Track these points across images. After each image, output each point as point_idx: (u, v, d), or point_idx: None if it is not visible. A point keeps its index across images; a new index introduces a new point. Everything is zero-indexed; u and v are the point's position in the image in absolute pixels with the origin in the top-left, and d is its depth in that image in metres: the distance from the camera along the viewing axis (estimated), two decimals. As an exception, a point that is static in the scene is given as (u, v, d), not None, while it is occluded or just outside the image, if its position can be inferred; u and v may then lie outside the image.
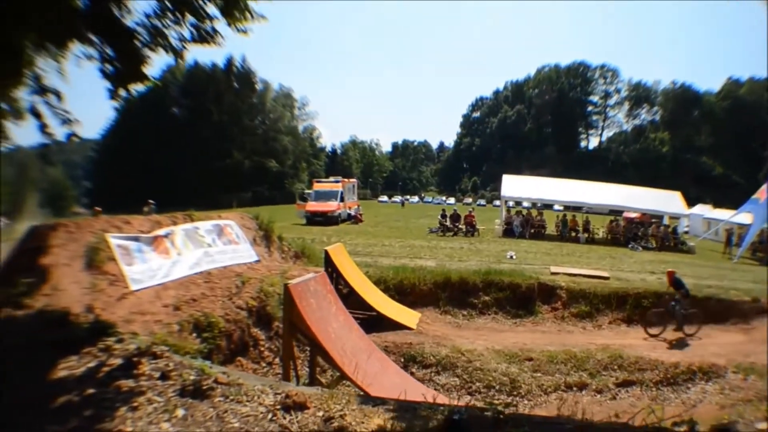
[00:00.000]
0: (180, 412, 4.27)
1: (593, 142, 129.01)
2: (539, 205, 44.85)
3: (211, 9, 6.22)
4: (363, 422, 4.21)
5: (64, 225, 9.58)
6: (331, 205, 38.20)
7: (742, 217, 33.46)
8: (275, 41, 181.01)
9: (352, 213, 42.02)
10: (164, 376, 4.91)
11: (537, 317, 15.29)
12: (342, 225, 37.51)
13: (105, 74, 6.20)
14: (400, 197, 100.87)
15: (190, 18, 6.21)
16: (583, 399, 10.52)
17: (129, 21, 6.08)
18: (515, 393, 10.79)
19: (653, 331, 14.03)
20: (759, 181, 41.15)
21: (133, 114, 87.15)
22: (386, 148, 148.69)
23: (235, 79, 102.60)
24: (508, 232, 33.03)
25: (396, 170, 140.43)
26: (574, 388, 11.14)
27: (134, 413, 4.21)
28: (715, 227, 38.42)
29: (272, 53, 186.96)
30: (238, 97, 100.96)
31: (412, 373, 10.90)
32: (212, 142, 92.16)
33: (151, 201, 24.96)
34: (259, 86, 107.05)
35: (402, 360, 11.47)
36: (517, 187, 38.30)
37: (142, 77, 6.48)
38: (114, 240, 9.91)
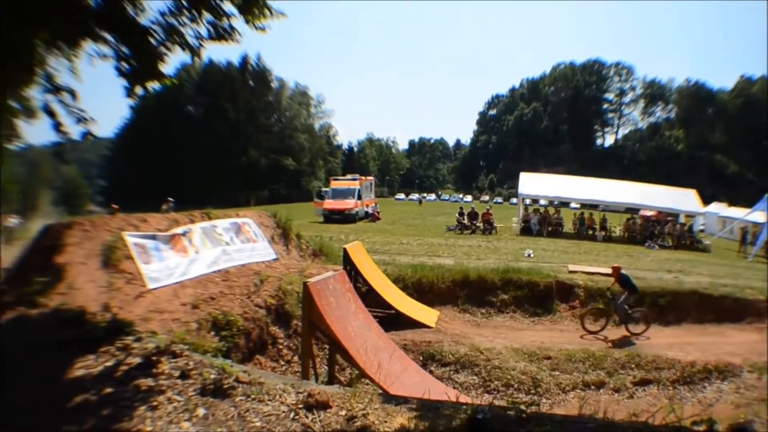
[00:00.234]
0: (201, 412, 4.21)
1: (609, 140, 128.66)
2: (556, 202, 44.58)
3: (228, 6, 6.16)
4: (386, 421, 4.14)
5: (79, 223, 9.60)
6: (349, 203, 38.10)
7: (757, 215, 33.15)
8: (290, 38, 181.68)
9: (370, 211, 41.82)
10: (184, 375, 4.85)
11: (555, 315, 15.21)
12: (359, 223, 37.36)
13: (121, 72, 6.15)
14: (417, 195, 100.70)
15: (207, 16, 6.16)
16: (601, 397, 10.46)
17: (143, 19, 6.04)
18: (534, 392, 10.71)
19: (592, 327, 13.90)
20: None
21: (148, 112, 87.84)
22: (403, 145, 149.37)
23: (251, 77, 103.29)
24: (526, 230, 32.79)
25: (413, 168, 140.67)
26: (592, 387, 11.07)
27: (154, 412, 4.16)
28: (730, 225, 38.23)
29: (287, 51, 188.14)
30: (254, 95, 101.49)
31: (430, 372, 10.86)
32: (228, 140, 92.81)
33: (170, 198, 24.97)
34: (274, 84, 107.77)
35: (421, 358, 11.43)
36: (534, 184, 38.00)
37: (159, 75, 6.43)
38: (131, 238, 9.92)
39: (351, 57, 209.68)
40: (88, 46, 6.05)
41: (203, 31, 6.27)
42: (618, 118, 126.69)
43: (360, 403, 4.49)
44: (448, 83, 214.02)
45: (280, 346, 10.75)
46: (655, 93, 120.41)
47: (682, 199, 35.52)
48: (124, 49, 6.07)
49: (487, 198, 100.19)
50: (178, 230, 11.41)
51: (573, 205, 48.70)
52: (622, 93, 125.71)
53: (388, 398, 4.84)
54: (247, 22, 6.18)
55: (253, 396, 4.53)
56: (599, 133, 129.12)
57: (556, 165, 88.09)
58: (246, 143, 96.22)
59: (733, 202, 48.32)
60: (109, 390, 4.52)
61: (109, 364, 5.09)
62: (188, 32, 6.23)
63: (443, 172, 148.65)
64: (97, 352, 5.32)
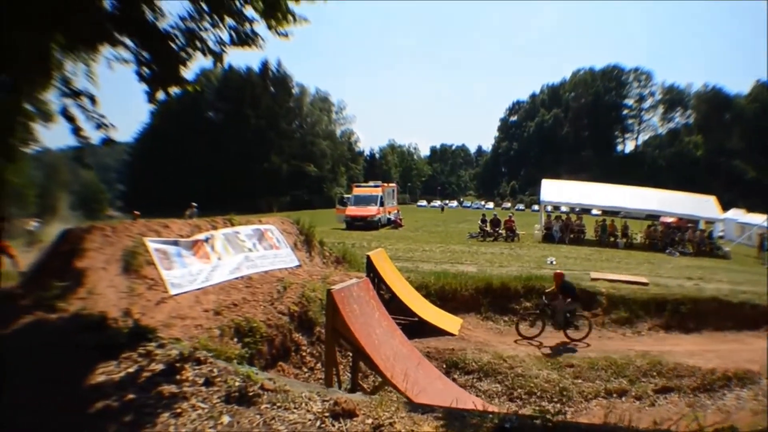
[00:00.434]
0: (225, 419, 4.17)
1: (629, 146, 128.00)
2: (577, 209, 44.25)
3: (250, 11, 6.14)
4: (413, 430, 4.08)
5: (99, 228, 9.64)
6: (371, 210, 38.01)
7: (774, 222, 32.70)
8: (309, 44, 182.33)
9: (392, 218, 41.75)
10: (208, 382, 4.81)
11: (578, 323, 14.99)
12: (382, 230, 37.29)
13: (142, 77, 6.17)
14: (439, 202, 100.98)
15: (229, 21, 6.14)
16: (623, 405, 10.34)
17: (163, 23, 6.04)
18: (557, 400, 10.61)
19: (526, 333, 13.71)
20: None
21: (168, 117, 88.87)
22: (424, 152, 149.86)
23: (271, 83, 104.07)
24: (548, 237, 32.48)
25: (435, 174, 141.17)
26: (614, 395, 10.97)
27: (177, 419, 4.13)
28: (749, 232, 37.93)
29: (307, 57, 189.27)
30: (275, 101, 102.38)
31: (454, 379, 10.80)
32: (250, 146, 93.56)
33: (194, 204, 25.14)
34: (295, 90, 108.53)
35: (444, 366, 11.36)
36: (556, 191, 37.77)
37: (181, 80, 6.44)
38: (152, 244, 9.94)
39: (372, 63, 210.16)
40: (107, 50, 6.07)
41: (225, 37, 6.27)
42: (638, 123, 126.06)
43: (386, 412, 4.43)
44: (470, 89, 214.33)
45: (303, 353, 10.72)
46: (674, 98, 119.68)
47: (701, 206, 35.21)
48: (145, 54, 6.08)
49: (508, 205, 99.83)
50: (201, 236, 11.43)
51: (594, 212, 48.36)
52: (641, 99, 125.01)
53: (414, 407, 4.77)
54: (269, 27, 6.16)
55: (278, 404, 4.48)
56: (620, 139, 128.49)
57: (577, 171, 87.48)
58: (268, 149, 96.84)
59: (751, 209, 47.91)
60: (131, 396, 4.50)
61: (131, 370, 5.07)
62: (210, 37, 6.24)
63: (465, 179, 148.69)
64: (119, 358, 5.30)
